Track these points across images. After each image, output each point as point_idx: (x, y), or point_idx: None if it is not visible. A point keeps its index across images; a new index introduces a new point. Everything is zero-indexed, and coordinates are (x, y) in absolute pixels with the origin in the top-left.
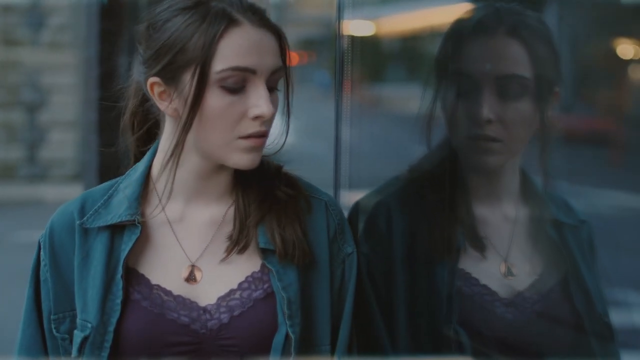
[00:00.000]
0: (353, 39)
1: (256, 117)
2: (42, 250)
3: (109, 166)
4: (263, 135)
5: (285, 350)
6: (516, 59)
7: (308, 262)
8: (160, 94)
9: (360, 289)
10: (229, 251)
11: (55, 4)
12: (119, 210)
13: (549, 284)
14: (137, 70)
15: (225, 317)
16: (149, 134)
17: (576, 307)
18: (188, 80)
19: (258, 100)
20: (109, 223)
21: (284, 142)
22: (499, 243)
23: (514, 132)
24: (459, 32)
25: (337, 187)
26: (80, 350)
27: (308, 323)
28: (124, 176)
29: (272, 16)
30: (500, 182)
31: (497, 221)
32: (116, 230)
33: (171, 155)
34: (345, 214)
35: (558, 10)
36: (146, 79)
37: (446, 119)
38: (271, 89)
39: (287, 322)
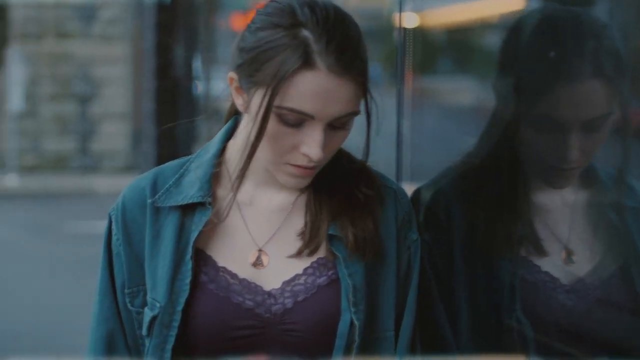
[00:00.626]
0: (412, 31)
1: (305, 155)
2: (113, 223)
3: (165, 155)
4: (312, 169)
5: (350, 337)
6: (601, 99)
7: (377, 252)
8: (236, 88)
9: (422, 275)
10: (299, 251)
11: None
12: (190, 191)
13: (609, 270)
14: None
15: (289, 302)
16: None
17: (637, 292)
18: (255, 97)
19: (311, 141)
20: (180, 203)
21: (366, 159)
22: (558, 230)
23: (593, 154)
24: (539, 72)
25: (399, 179)
26: (150, 329)
27: (372, 310)
28: (195, 155)
29: None
30: None
31: (556, 207)
32: (187, 210)
33: (240, 170)
34: None
35: (608, 5)
36: (229, 70)
37: (520, 145)
38: (336, 128)
39: (351, 309)
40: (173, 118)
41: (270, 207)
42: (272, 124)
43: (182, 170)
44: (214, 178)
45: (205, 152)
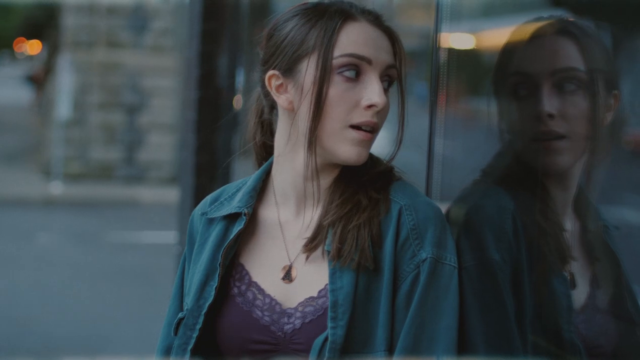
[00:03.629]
0: (451, 51)
1: (369, 107)
2: (187, 234)
3: (205, 165)
4: (373, 128)
5: (321, 352)
6: (569, 54)
7: (368, 267)
8: (278, 87)
9: (493, 297)
10: (304, 250)
11: (158, 7)
12: (234, 203)
13: (608, 290)
14: (257, 72)
15: (298, 323)
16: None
17: (628, 307)
18: (305, 69)
19: (371, 90)
20: (222, 214)
21: (395, 153)
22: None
23: (576, 128)
24: (516, 42)
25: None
26: (177, 330)
27: (360, 327)
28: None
29: None
30: (568, 193)
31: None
32: (230, 221)
33: (309, 144)
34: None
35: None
36: (264, 74)
37: (509, 125)
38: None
39: (329, 323)
40: (214, 128)
41: (306, 223)
42: (333, 85)
43: (241, 185)
44: (260, 194)
45: (260, 168)
